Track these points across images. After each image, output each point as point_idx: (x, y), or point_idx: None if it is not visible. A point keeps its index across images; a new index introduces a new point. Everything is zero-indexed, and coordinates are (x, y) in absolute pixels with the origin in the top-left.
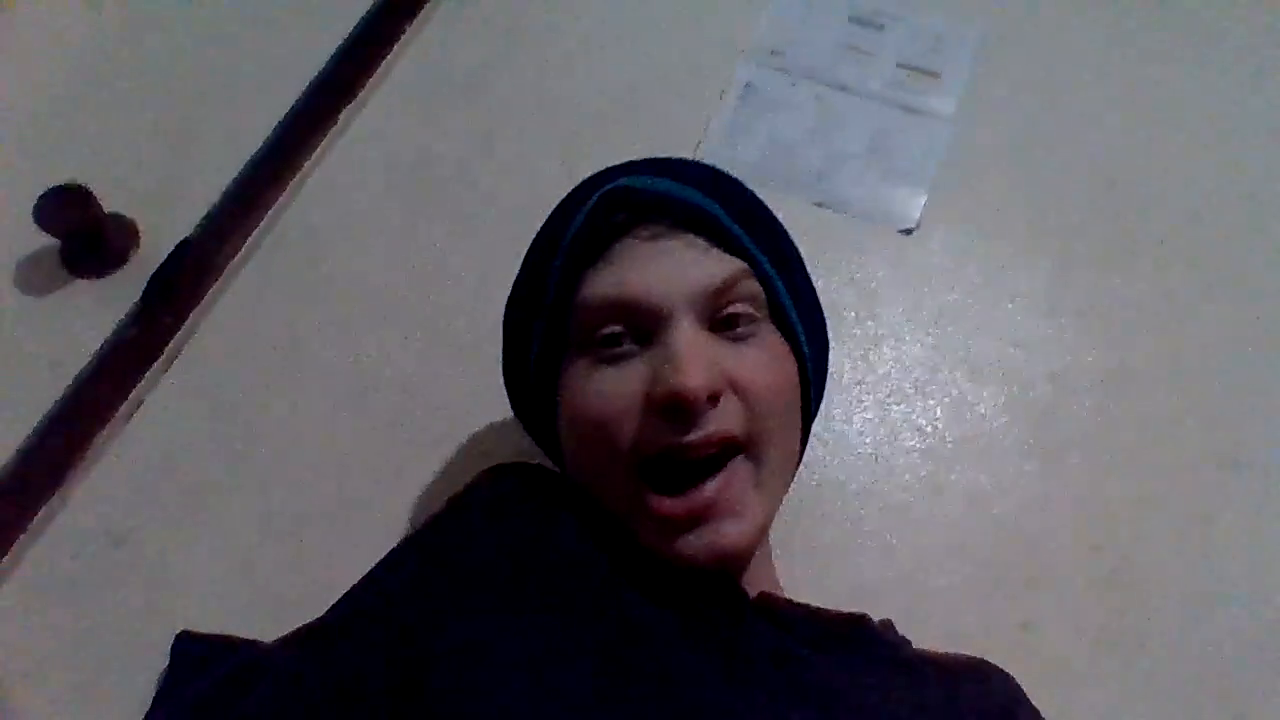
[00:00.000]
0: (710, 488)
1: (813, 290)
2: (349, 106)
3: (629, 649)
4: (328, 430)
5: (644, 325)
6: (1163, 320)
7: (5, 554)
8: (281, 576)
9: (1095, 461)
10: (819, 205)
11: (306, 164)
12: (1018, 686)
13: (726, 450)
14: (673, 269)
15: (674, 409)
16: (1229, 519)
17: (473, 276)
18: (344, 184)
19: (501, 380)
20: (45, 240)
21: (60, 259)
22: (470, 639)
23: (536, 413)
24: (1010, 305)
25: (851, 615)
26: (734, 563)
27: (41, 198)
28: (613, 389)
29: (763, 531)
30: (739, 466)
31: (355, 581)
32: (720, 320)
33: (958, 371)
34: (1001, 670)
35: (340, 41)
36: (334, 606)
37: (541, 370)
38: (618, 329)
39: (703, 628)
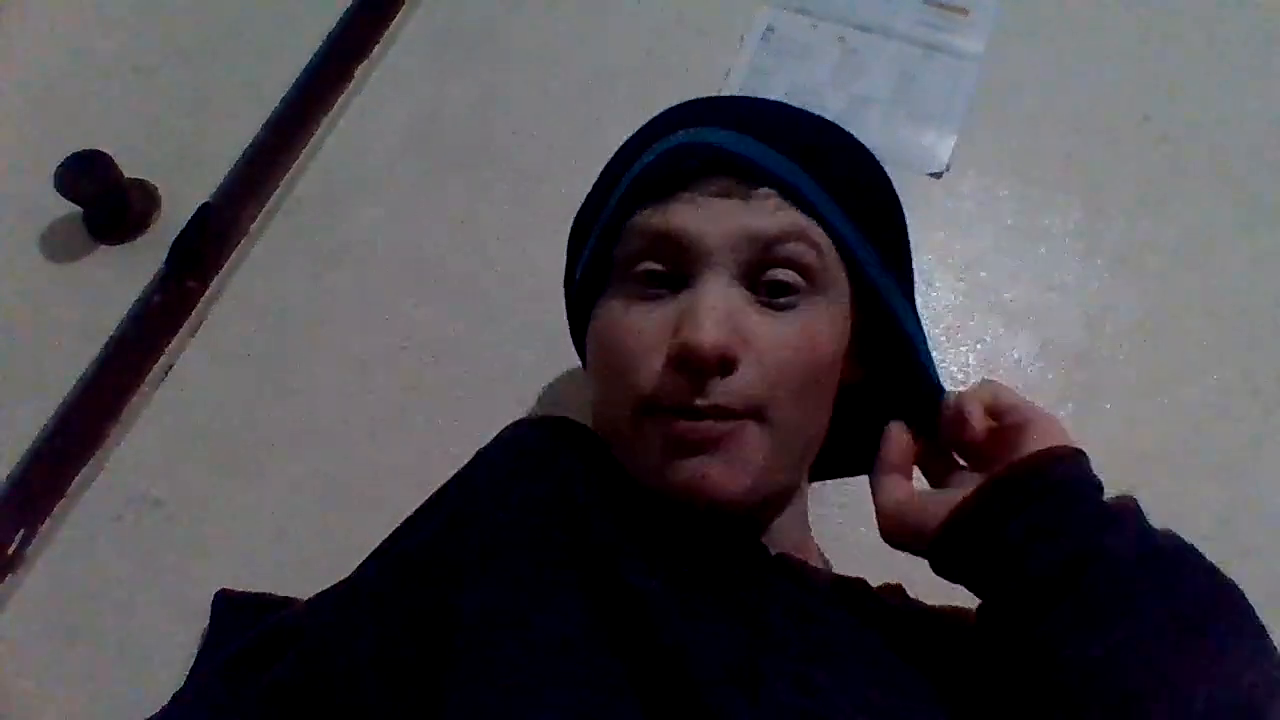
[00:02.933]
0: (720, 426)
1: (908, 252)
2: (362, 64)
3: (650, 616)
4: (356, 388)
5: (683, 267)
6: (1200, 260)
7: (46, 518)
8: (314, 534)
9: (1131, 406)
10: None
11: (323, 123)
12: None
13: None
14: (725, 215)
15: (684, 363)
16: (1271, 460)
17: (493, 230)
18: (361, 142)
19: (526, 333)
20: (68, 208)
21: (84, 226)
22: (493, 607)
23: (580, 329)
24: (1043, 249)
25: (851, 578)
26: (720, 509)
27: (62, 165)
28: (639, 328)
29: (756, 493)
30: (749, 427)
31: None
32: (763, 285)
33: (990, 317)
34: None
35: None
36: (362, 565)
37: (582, 295)
38: (657, 267)
39: (724, 588)
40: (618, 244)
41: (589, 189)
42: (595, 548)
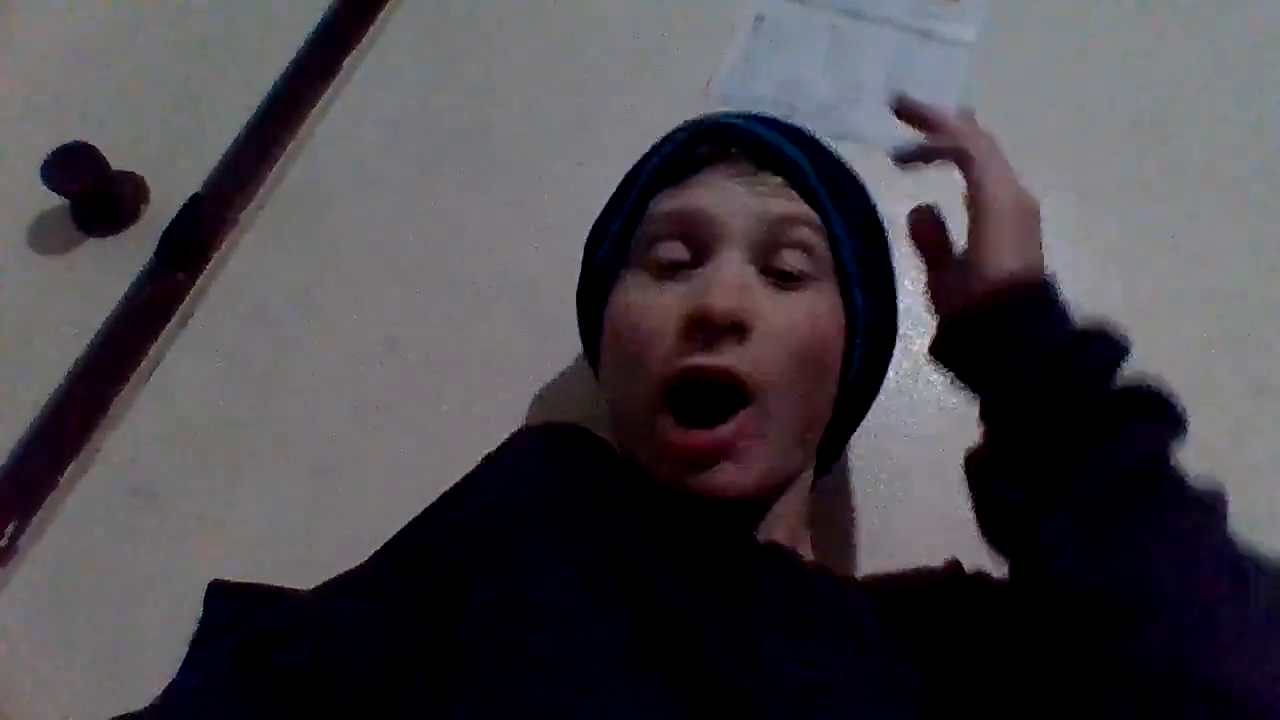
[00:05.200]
0: (718, 432)
1: (889, 261)
2: (351, 55)
3: (654, 600)
4: (346, 380)
5: (701, 245)
6: (1189, 250)
7: (38, 510)
8: (305, 525)
9: None
10: (836, 139)
11: (312, 115)
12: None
13: (736, 399)
14: (739, 195)
15: (697, 326)
16: (1260, 446)
17: (483, 223)
18: (350, 135)
19: (517, 326)
20: (55, 200)
21: (71, 218)
22: (504, 597)
23: (591, 327)
24: None
25: (827, 566)
26: (734, 503)
27: (49, 158)
28: (653, 304)
29: (766, 482)
30: (747, 417)
31: (378, 531)
32: (773, 268)
33: None
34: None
35: None
36: (373, 556)
37: (600, 280)
38: (675, 246)
39: (722, 576)
40: (637, 230)
41: (581, 178)
42: (609, 539)
